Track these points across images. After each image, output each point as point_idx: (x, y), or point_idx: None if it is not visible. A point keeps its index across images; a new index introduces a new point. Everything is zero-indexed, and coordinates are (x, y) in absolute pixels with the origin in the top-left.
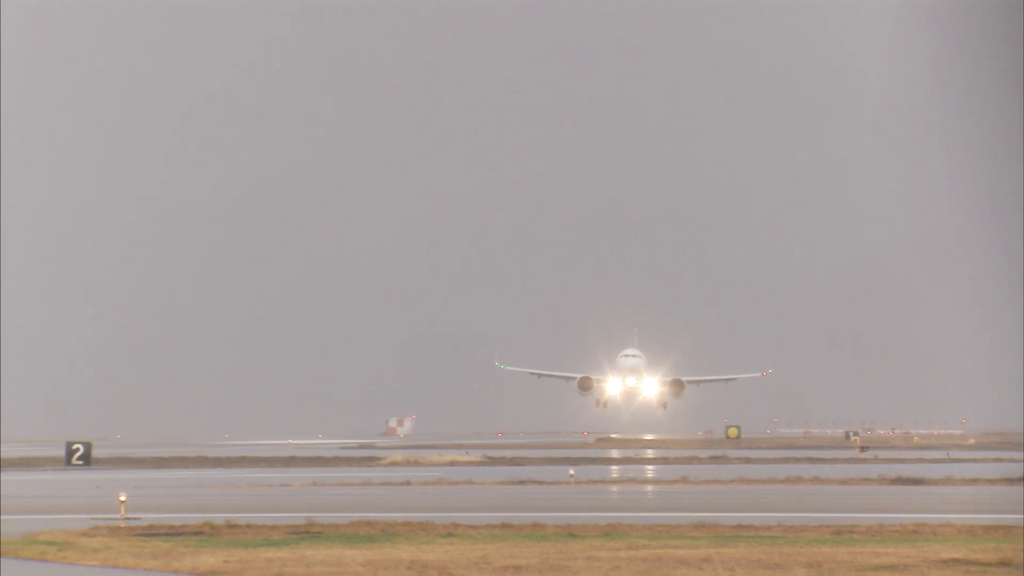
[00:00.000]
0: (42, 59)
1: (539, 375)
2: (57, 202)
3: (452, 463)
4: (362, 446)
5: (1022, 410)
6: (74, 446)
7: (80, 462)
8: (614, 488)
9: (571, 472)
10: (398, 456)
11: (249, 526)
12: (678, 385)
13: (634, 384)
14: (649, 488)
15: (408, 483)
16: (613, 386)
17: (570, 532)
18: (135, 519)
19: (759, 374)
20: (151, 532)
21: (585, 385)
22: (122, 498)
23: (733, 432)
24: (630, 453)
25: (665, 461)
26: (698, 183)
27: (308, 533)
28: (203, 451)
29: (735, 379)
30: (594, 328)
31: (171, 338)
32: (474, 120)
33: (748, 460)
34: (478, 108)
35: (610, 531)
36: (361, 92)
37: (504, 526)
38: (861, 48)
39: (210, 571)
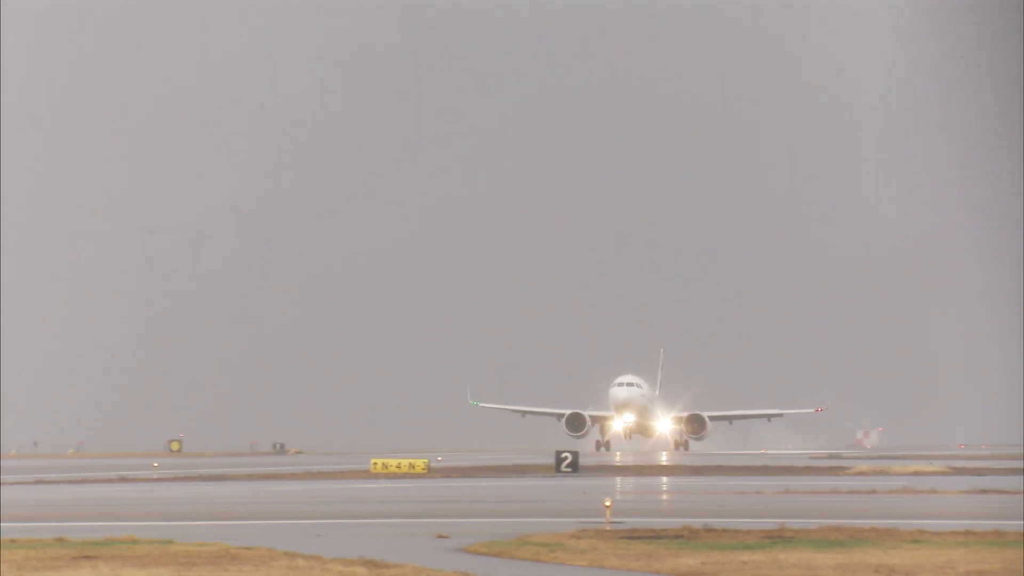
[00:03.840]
0: (33, 63)
1: (523, 412)
2: (82, 218)
3: (916, 473)
4: (831, 456)
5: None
6: (563, 454)
7: (568, 469)
8: None
9: None
10: (864, 466)
11: (724, 530)
12: (697, 423)
13: (632, 422)
14: None
15: (874, 492)
16: (612, 424)
17: None
18: (619, 523)
19: (812, 410)
20: (634, 535)
21: (575, 424)
22: (607, 503)
23: None
24: None
25: None
26: (694, 189)
27: (780, 538)
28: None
29: (782, 415)
30: (587, 356)
31: None
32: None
33: None
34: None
35: None
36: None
37: (967, 533)
38: (861, 48)
39: (689, 572)
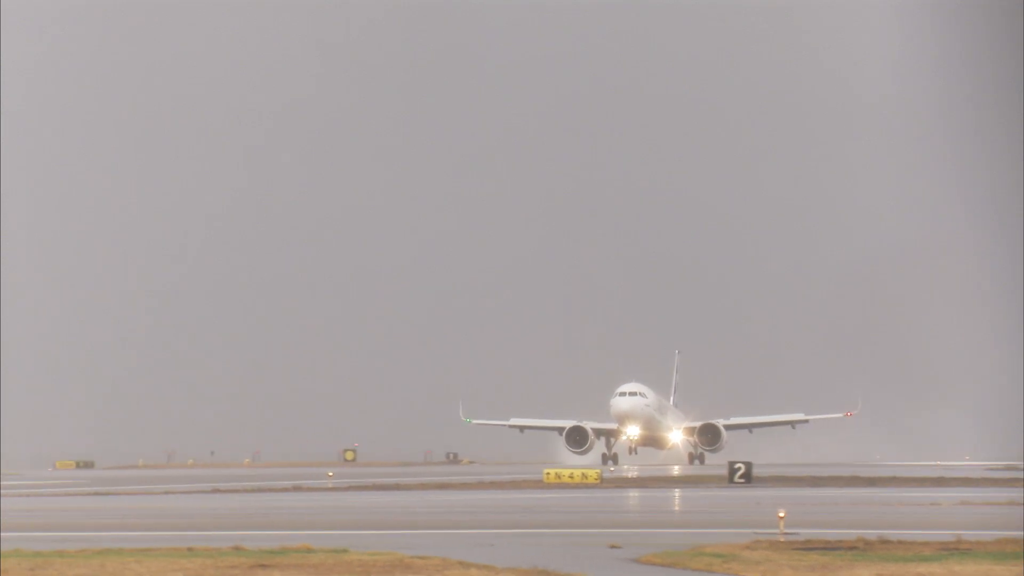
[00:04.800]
0: (35, 66)
1: (521, 428)
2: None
3: None
4: (1007, 467)
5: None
6: (736, 465)
7: (742, 480)
8: None
9: None
10: None
11: (900, 542)
12: (711, 434)
13: (637, 434)
14: None
15: None
16: (619, 436)
17: None
18: (793, 534)
19: (841, 415)
20: (808, 546)
21: (576, 439)
22: (781, 514)
23: None
24: None
25: None
26: (696, 191)
27: (957, 550)
28: (856, 471)
29: (807, 421)
30: (590, 364)
31: None
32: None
33: None
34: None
35: None
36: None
37: None
38: (861, 49)
39: None
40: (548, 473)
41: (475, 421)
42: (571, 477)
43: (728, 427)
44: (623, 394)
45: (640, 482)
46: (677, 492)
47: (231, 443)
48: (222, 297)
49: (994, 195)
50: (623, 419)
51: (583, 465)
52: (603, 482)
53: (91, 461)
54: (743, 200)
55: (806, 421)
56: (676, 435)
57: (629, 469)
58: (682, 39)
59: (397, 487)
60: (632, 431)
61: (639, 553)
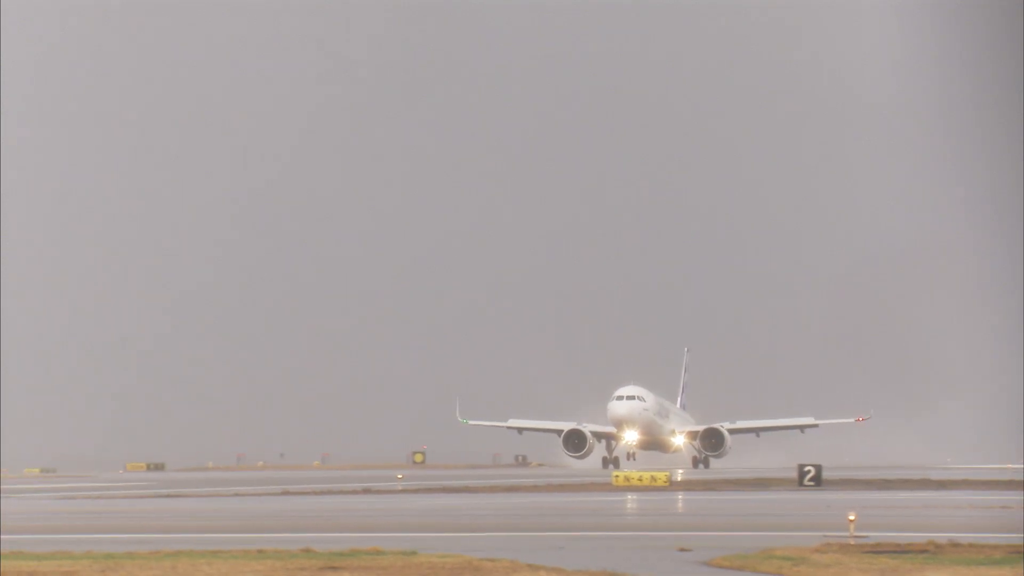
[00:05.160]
0: (37, 60)
1: (520, 429)
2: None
3: None
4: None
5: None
6: (806, 468)
7: (811, 483)
8: None
9: None
10: None
11: (971, 545)
12: (715, 438)
13: (636, 439)
14: None
15: None
16: (618, 440)
17: None
18: (863, 537)
19: (853, 420)
20: (878, 549)
21: (574, 443)
22: (851, 517)
23: None
24: None
25: None
26: (697, 191)
27: None
28: (926, 474)
29: (817, 425)
30: (592, 365)
31: None
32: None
33: None
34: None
35: None
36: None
37: None
38: (861, 50)
39: None
40: (617, 476)
41: (471, 422)
42: (640, 480)
43: (734, 431)
44: (620, 398)
45: (709, 485)
46: (746, 495)
47: (300, 446)
48: (274, 299)
49: (995, 195)
50: (619, 424)
51: (583, 469)
52: (672, 485)
53: (162, 463)
54: (743, 200)
55: (816, 426)
56: (680, 439)
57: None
58: (682, 40)
59: (466, 489)
60: (630, 436)
61: (709, 556)
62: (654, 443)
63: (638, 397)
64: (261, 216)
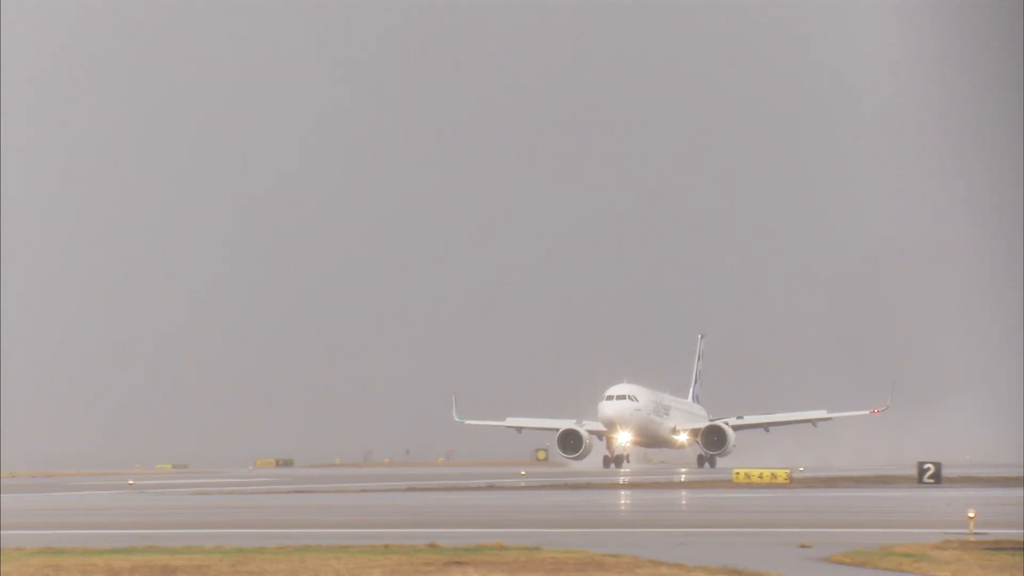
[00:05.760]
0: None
1: (519, 428)
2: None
3: None
4: None
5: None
6: (925, 465)
7: (931, 480)
8: None
9: None
10: None
11: None
12: (717, 436)
13: (628, 441)
14: None
15: None
16: (613, 439)
17: None
18: (983, 534)
19: (867, 412)
20: (999, 547)
21: (570, 443)
22: (971, 514)
23: None
24: None
25: None
26: (698, 191)
27: None
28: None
29: (830, 419)
30: (594, 362)
31: None
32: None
33: None
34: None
35: None
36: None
37: None
38: (860, 50)
39: None
40: (737, 473)
41: (468, 421)
42: (760, 477)
43: (741, 427)
44: (610, 398)
45: (829, 482)
46: (865, 492)
47: (425, 442)
48: (278, 299)
49: (995, 195)
50: (610, 425)
51: (582, 470)
52: (792, 482)
53: (291, 459)
54: (742, 200)
55: (829, 419)
56: (684, 436)
57: (636, 472)
58: (683, 41)
59: (588, 486)
60: (622, 437)
61: (829, 553)
62: (654, 442)
63: (629, 396)
64: (264, 216)
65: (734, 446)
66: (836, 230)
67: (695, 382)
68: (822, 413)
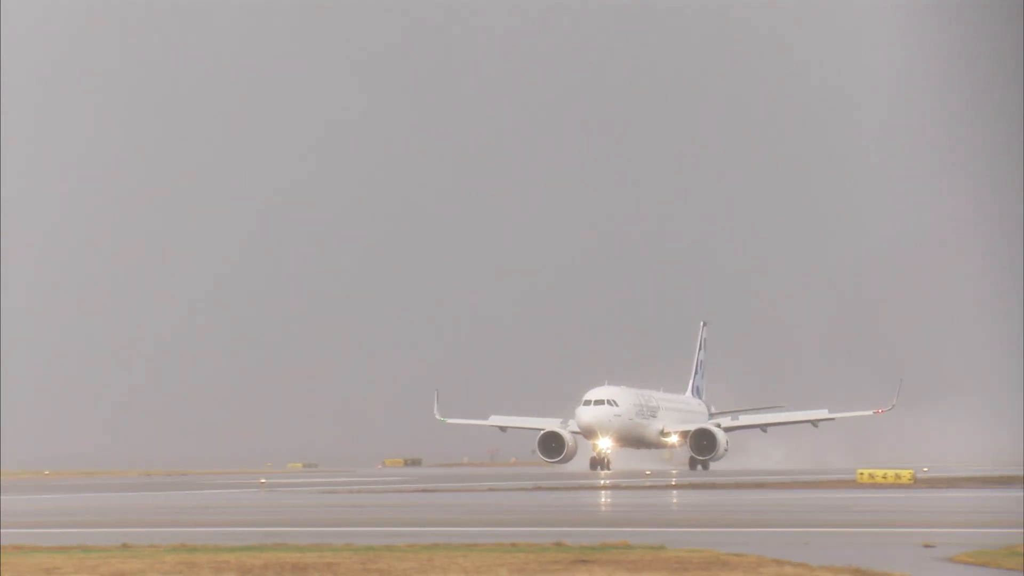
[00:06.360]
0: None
1: (503, 428)
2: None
3: None
4: None
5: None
6: None
7: None
8: None
9: None
10: None
11: None
12: (707, 440)
13: (608, 447)
14: None
15: None
16: (600, 443)
17: None
18: None
19: (871, 412)
20: None
21: (551, 446)
22: None
23: None
24: None
25: None
26: (698, 190)
27: None
28: None
29: (832, 419)
30: (584, 359)
31: None
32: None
33: None
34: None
35: None
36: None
37: None
38: (860, 50)
39: None
40: (861, 473)
41: (450, 420)
42: (884, 477)
43: (733, 428)
44: (587, 403)
45: (953, 482)
46: (989, 492)
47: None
48: (281, 300)
49: (995, 195)
50: (588, 432)
51: (567, 472)
52: (916, 482)
53: (419, 459)
54: (741, 200)
55: (831, 419)
56: (674, 438)
57: (619, 475)
58: (682, 40)
59: (713, 486)
60: (603, 444)
61: (952, 552)
62: (640, 445)
63: (608, 401)
64: (264, 216)
65: (726, 451)
66: (836, 230)
67: (695, 373)
68: (823, 413)
